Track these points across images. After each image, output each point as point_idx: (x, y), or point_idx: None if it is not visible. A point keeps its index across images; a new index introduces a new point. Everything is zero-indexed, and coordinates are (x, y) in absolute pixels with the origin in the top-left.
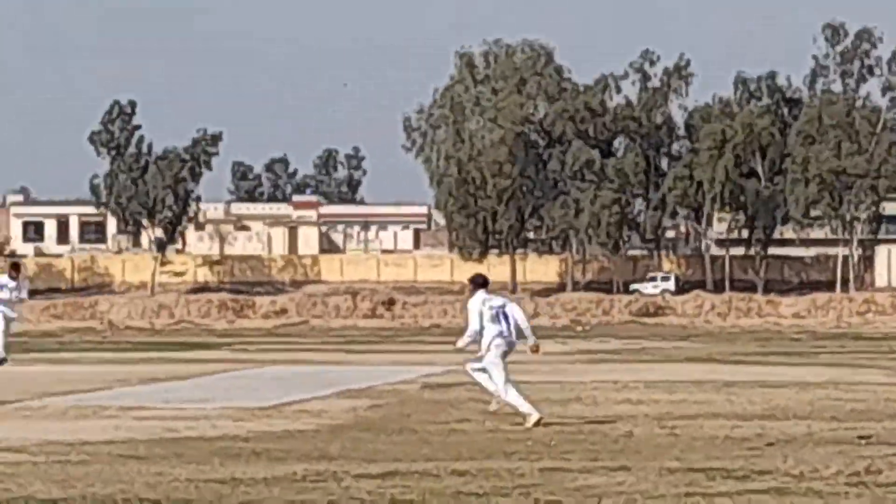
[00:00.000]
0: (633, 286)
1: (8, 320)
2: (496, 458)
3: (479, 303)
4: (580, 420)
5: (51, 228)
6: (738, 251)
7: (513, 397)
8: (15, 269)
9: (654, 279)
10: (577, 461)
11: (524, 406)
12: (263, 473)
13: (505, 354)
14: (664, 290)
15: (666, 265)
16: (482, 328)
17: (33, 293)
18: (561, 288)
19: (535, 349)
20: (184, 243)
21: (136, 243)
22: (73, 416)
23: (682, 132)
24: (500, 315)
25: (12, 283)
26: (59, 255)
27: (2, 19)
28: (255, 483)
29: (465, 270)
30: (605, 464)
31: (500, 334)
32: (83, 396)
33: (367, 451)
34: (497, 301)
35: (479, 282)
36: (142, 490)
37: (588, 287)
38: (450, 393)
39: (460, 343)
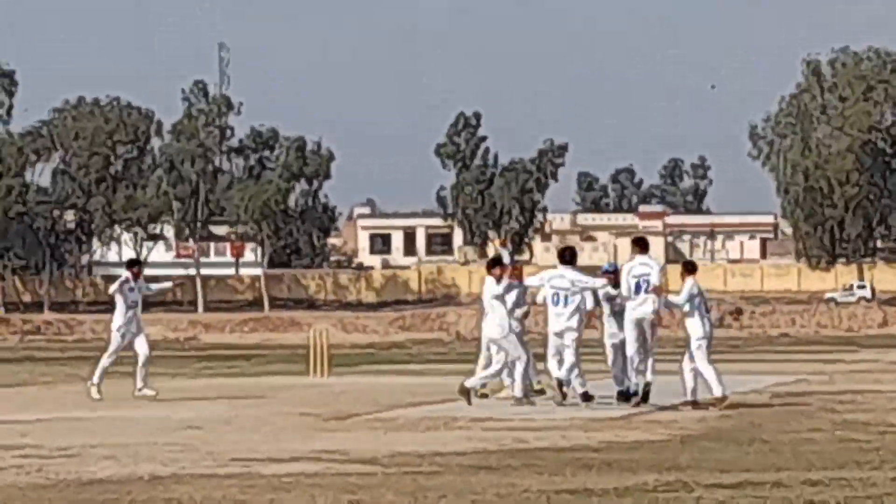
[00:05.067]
0: (828, 295)
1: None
2: (848, 468)
3: None
4: None
5: (398, 240)
6: None
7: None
8: (135, 266)
9: (850, 287)
10: None
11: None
12: (615, 484)
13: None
14: (861, 298)
15: None
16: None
17: (382, 305)
18: None
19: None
20: (531, 254)
21: (483, 255)
22: (424, 427)
23: None
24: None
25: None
26: (406, 267)
27: (352, 28)
28: (606, 493)
29: (813, 280)
30: None
31: None
32: (433, 408)
33: (718, 462)
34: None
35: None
36: (494, 501)
37: None
38: (800, 402)
39: None
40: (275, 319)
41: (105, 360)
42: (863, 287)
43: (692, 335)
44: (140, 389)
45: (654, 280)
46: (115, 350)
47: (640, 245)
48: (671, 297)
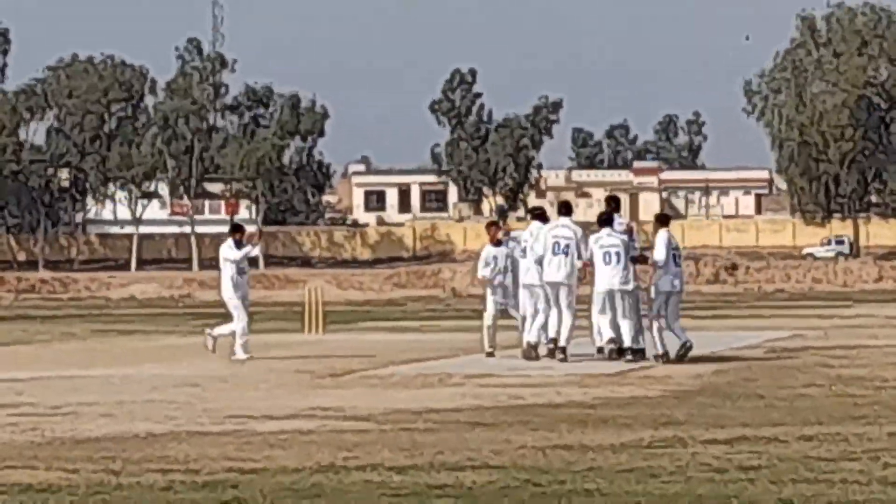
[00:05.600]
0: (806, 250)
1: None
2: (844, 423)
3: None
4: None
5: (392, 197)
6: None
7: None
8: (239, 231)
9: (828, 242)
10: None
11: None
12: (610, 440)
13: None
14: (839, 253)
15: None
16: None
17: (377, 262)
18: None
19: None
20: (525, 211)
21: (478, 211)
22: (419, 384)
23: None
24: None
25: (242, 251)
26: (400, 224)
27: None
28: (602, 450)
29: (808, 235)
30: None
31: None
32: (428, 365)
33: (714, 417)
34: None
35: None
36: (489, 457)
37: None
38: (795, 358)
39: None
40: (270, 277)
41: (231, 328)
42: (841, 242)
43: (656, 289)
44: (236, 353)
45: (574, 247)
46: (243, 317)
47: (565, 209)
48: (651, 255)
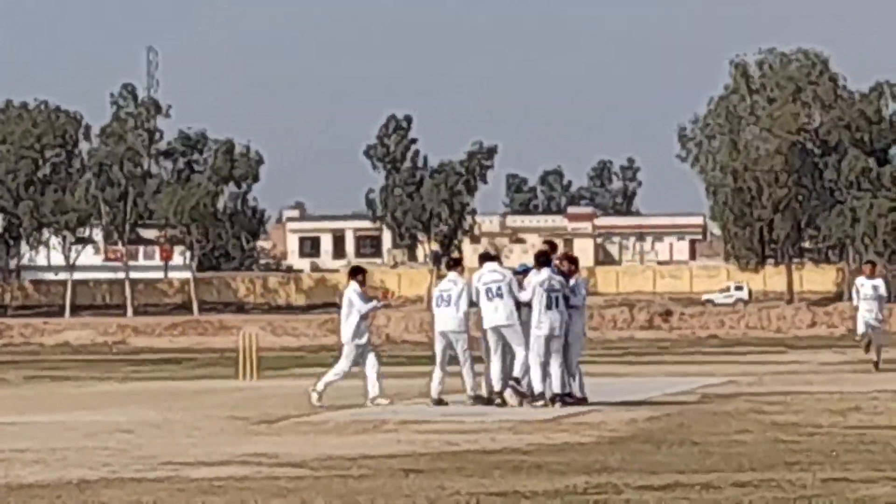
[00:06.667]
0: (706, 296)
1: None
2: (777, 469)
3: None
4: (862, 429)
5: (327, 243)
6: None
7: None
8: (361, 273)
9: (727, 289)
10: (860, 471)
11: None
12: (544, 486)
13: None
14: (738, 300)
15: None
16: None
17: (311, 308)
18: (838, 297)
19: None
20: (460, 257)
21: (412, 257)
22: (353, 430)
23: None
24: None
25: (370, 304)
26: (335, 270)
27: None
28: (535, 496)
29: (742, 280)
30: (889, 474)
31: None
32: (363, 411)
33: (648, 463)
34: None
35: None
36: None
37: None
38: (729, 404)
39: None
40: (204, 323)
41: (335, 375)
42: (740, 288)
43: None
44: (374, 399)
45: (505, 288)
46: (351, 363)
47: (487, 258)
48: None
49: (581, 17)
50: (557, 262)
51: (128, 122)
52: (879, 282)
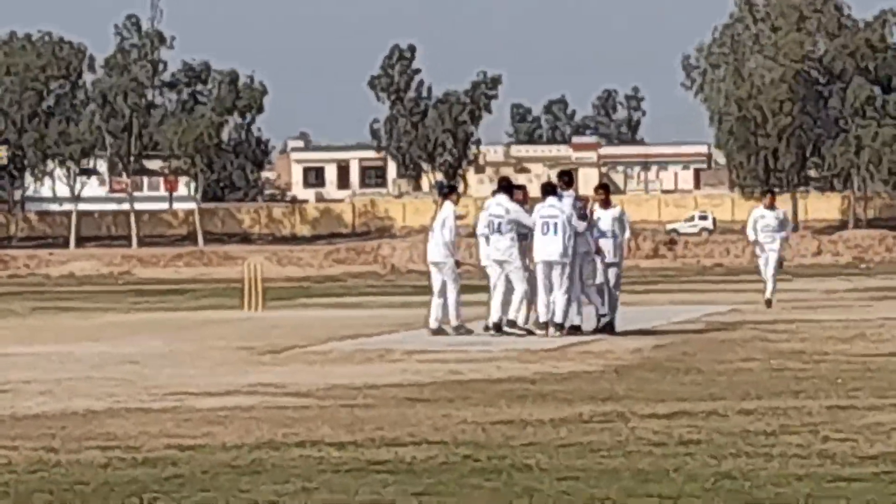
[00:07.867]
0: (670, 226)
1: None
2: (783, 397)
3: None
4: (867, 357)
5: (331, 174)
6: None
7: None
8: (453, 192)
9: (691, 219)
10: (865, 398)
11: None
12: (550, 415)
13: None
14: (702, 230)
15: None
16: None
17: (316, 238)
18: (843, 225)
19: None
20: (465, 186)
21: (417, 187)
22: (358, 359)
23: None
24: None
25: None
26: (339, 200)
27: None
28: (541, 424)
29: (746, 209)
30: (894, 401)
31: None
32: (368, 340)
33: (653, 392)
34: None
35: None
36: (429, 433)
37: (871, 224)
38: (734, 332)
39: None
40: (209, 253)
41: (451, 300)
42: (704, 218)
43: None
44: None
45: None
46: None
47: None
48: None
49: None
50: (594, 193)
51: (132, 54)
52: (782, 212)
